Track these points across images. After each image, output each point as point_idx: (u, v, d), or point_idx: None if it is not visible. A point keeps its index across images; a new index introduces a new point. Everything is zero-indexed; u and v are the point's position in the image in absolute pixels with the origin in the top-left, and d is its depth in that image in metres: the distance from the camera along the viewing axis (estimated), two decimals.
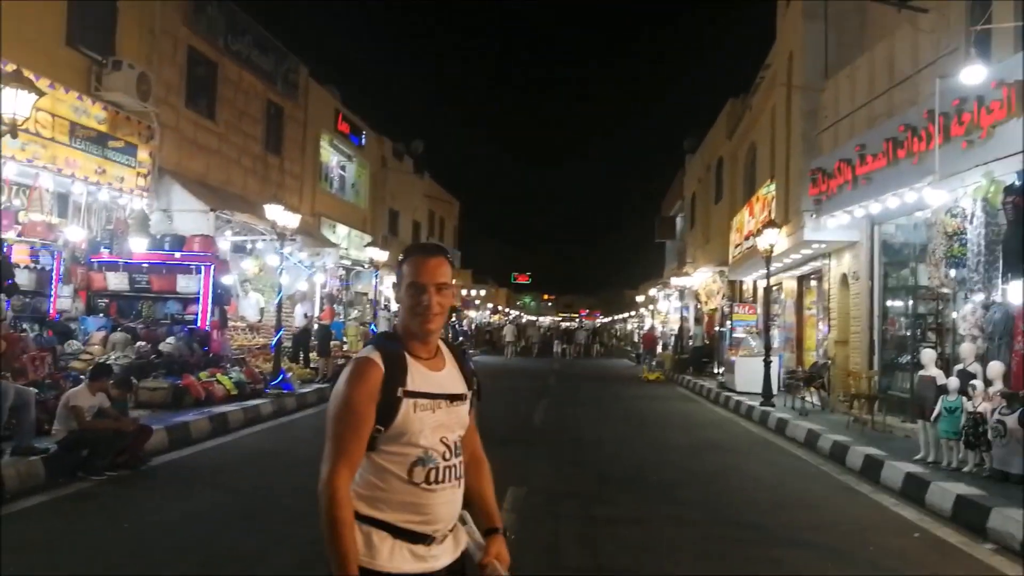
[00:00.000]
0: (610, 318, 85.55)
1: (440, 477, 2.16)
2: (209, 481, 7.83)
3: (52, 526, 5.98)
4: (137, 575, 4.98)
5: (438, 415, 2.18)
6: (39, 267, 13.18)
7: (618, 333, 69.27)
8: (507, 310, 76.40)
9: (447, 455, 2.19)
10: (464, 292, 42.85)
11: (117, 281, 13.94)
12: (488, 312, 60.44)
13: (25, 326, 12.03)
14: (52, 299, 13.35)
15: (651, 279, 44.05)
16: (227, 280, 15.53)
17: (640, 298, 47.61)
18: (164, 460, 8.65)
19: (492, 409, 15.01)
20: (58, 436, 7.51)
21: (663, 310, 37.31)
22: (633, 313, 59.14)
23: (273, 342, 14.71)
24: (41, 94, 7.37)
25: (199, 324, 13.91)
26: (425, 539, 2.14)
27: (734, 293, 23.18)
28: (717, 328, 23.89)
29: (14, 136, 7.20)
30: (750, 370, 16.23)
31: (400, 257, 2.28)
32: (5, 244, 12.24)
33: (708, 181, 28.08)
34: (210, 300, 13.99)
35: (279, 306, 14.89)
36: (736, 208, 21.74)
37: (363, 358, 2.14)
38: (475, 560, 2.31)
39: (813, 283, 16.98)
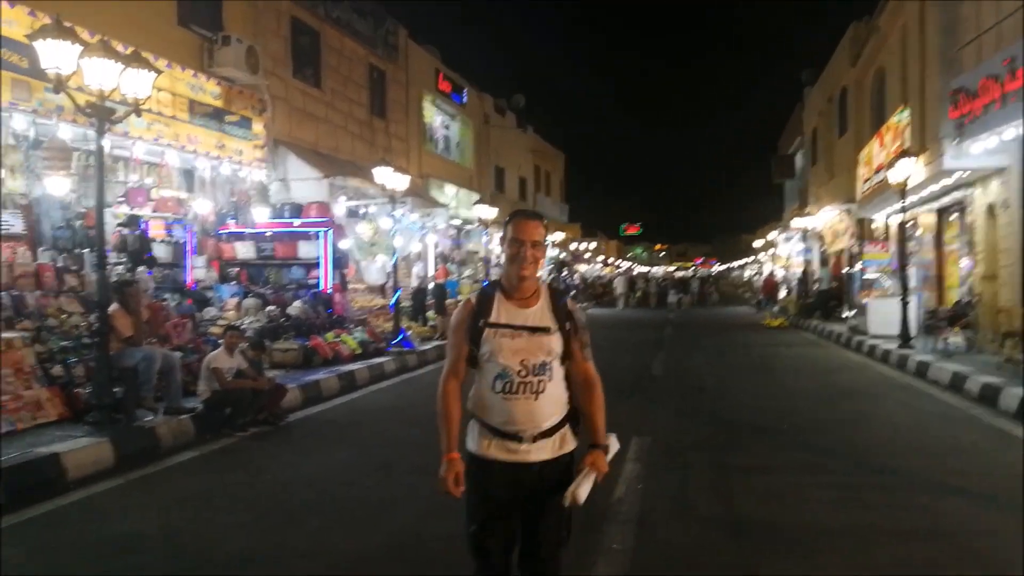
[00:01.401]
0: (726, 265, 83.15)
1: (515, 389, 2.76)
2: (341, 436, 8.10)
3: (205, 479, 6.33)
4: (283, 523, 5.18)
5: (517, 342, 2.76)
6: (174, 240, 13.95)
7: (736, 280, 67.26)
8: (618, 262, 75.51)
9: (523, 373, 2.76)
10: (572, 246, 42.52)
11: (245, 250, 14.60)
12: (598, 265, 59.91)
13: (166, 295, 12.82)
14: (188, 270, 14.15)
15: (770, 222, 42.33)
16: (344, 244, 15.99)
17: (758, 243, 45.91)
18: (299, 416, 9.03)
19: (609, 361, 14.87)
20: (203, 396, 7.93)
21: (783, 254, 35.81)
22: (751, 259, 57.15)
23: (392, 302, 15.05)
24: (158, 72, 7.56)
25: (322, 288, 14.41)
26: (513, 437, 2.78)
27: (863, 232, 21.86)
28: (845, 270, 22.69)
29: (138, 115, 7.51)
30: (885, 312, 15.29)
31: (505, 219, 2.90)
32: (142, 220, 13.10)
33: (831, 114, 26.44)
34: (330, 264, 14.45)
35: (395, 267, 15.19)
36: (863, 140, 20.40)
37: (466, 298, 2.96)
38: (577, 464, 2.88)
39: (954, 216, 15.73)
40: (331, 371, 11.23)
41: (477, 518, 2.84)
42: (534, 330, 2.78)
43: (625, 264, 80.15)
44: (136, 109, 7.50)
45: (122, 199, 11.09)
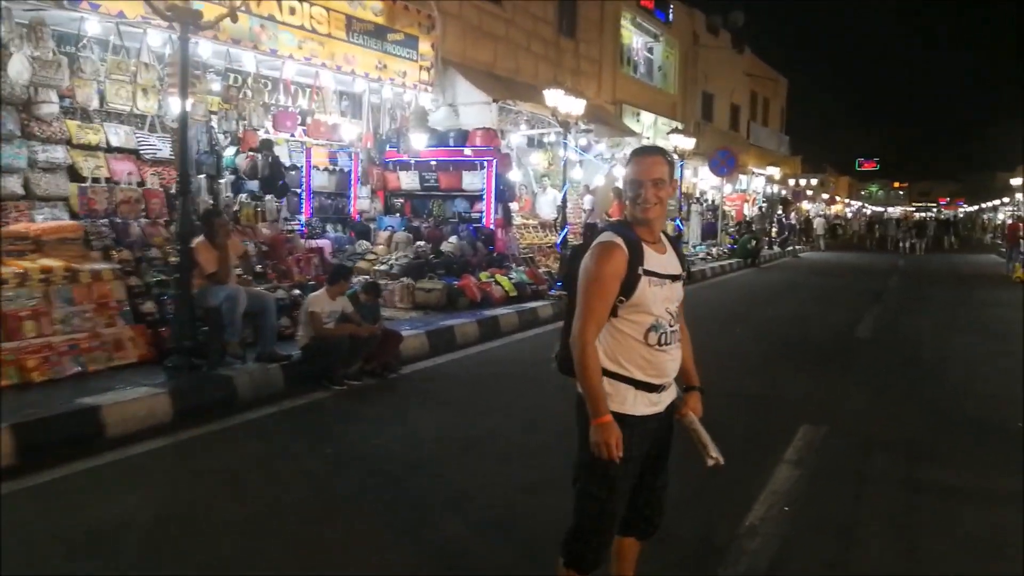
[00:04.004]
0: (976, 207, 72.69)
1: (668, 340, 2.69)
2: (448, 395, 6.98)
3: (261, 445, 5.45)
4: (306, 521, 4.11)
5: (664, 290, 2.68)
6: (338, 169, 13.50)
7: (986, 224, 58.43)
8: (848, 201, 68.58)
9: (671, 323, 2.71)
10: (792, 182, 38.35)
11: (409, 180, 13.84)
12: (822, 204, 54.34)
13: (326, 227, 12.44)
14: (352, 200, 13.69)
15: None
16: (514, 176, 14.78)
17: (1016, 181, 38.98)
18: (417, 368, 8.03)
19: (808, 316, 12.62)
20: (301, 343, 7.13)
21: None
22: (1006, 200, 49.07)
23: (559, 240, 13.70)
24: None
25: (484, 222, 13.36)
26: (657, 388, 2.71)
27: None
28: None
29: (234, 20, 6.61)
30: None
31: (627, 159, 2.75)
32: (304, 147, 12.66)
33: None
34: (493, 197, 13.31)
35: (563, 201, 13.74)
36: None
37: (609, 242, 2.61)
38: (676, 409, 2.85)
39: None
40: (474, 315, 10.17)
41: (614, 484, 2.66)
42: (675, 278, 2.74)
43: (856, 204, 72.76)
44: (231, 13, 6.57)
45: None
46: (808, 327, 11.54)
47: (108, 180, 8.27)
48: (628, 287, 2.59)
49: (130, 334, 6.65)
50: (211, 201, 8.53)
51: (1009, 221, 31.60)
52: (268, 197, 9.35)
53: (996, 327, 11.56)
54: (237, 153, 9.85)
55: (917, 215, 61.90)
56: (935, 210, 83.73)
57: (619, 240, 2.60)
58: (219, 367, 6.54)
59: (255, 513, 4.25)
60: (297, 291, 8.40)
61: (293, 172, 12.53)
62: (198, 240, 6.60)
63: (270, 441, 5.54)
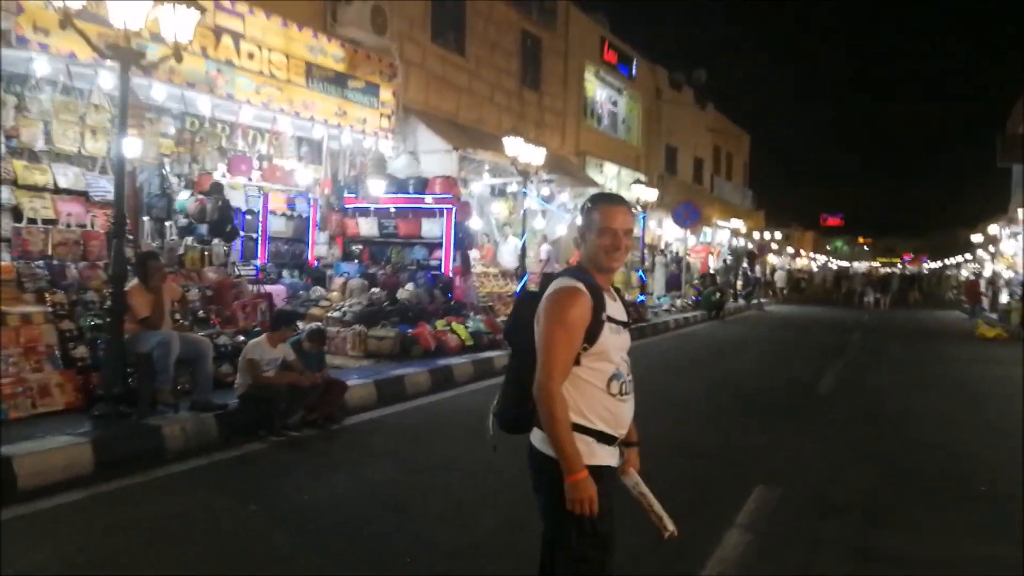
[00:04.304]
0: (939, 263, 74.25)
1: (627, 390, 2.63)
2: (390, 449, 6.73)
3: (182, 500, 5.16)
4: None
5: (621, 338, 2.63)
6: (296, 215, 13.34)
7: (952, 280, 59.60)
8: (812, 255, 69.68)
9: (628, 372, 2.65)
10: (757, 235, 38.85)
11: (368, 227, 13.71)
12: (787, 258, 55.12)
13: (283, 273, 12.23)
14: (310, 246, 13.52)
15: (994, 215, 36.47)
16: (475, 224, 14.74)
17: (977, 238, 39.87)
18: (365, 418, 7.80)
19: (769, 371, 12.58)
20: (239, 391, 6.88)
21: (1008, 251, 30.51)
22: (969, 257, 50.15)
23: (518, 288, 13.60)
24: (202, 11, 6.46)
25: (442, 270, 13.24)
26: (612, 440, 2.59)
27: None
28: None
29: (179, 60, 6.49)
30: None
31: (588, 204, 2.68)
32: (261, 192, 12.51)
33: None
34: (452, 244, 13.22)
35: (523, 250, 13.70)
36: None
37: (574, 287, 2.52)
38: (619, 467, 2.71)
39: None
40: (426, 365, 9.97)
41: (606, 542, 2.53)
42: (625, 325, 2.69)
43: (822, 258, 73.93)
44: (176, 54, 6.45)
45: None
46: (769, 381, 11.47)
47: (47, 221, 8.02)
48: (592, 334, 2.50)
49: (58, 380, 6.36)
50: (154, 244, 8.31)
51: (971, 278, 32.23)
52: (216, 241, 9.14)
53: (959, 383, 11.58)
54: (192, 196, 9.67)
55: (883, 270, 63.00)
56: (899, 265, 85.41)
57: (582, 286, 2.51)
58: (149, 416, 6.26)
59: (161, 573, 3.98)
60: (242, 337, 8.15)
61: (249, 217, 12.40)
62: (132, 284, 6.37)
63: (192, 495, 5.25)
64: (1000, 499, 5.75)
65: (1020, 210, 24.19)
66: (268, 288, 11.80)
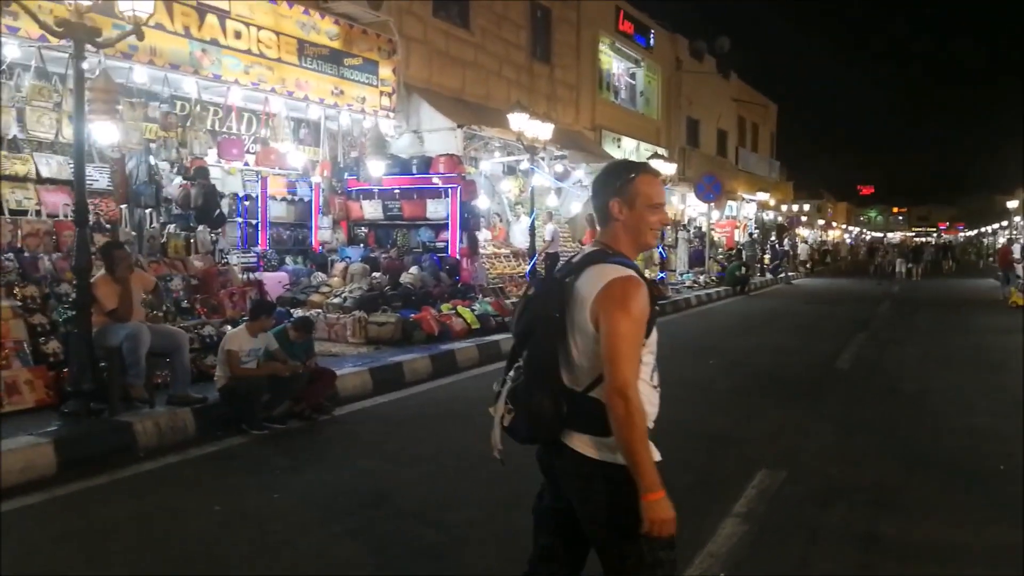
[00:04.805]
0: (976, 231, 72.28)
1: (661, 379, 2.40)
2: (380, 440, 6.37)
3: (144, 502, 4.84)
4: None
5: None
6: (298, 199, 13.03)
7: (987, 249, 57.90)
8: (846, 227, 68.27)
9: None
10: (784, 207, 37.87)
11: (372, 210, 13.36)
12: (818, 231, 53.92)
13: (289, 260, 11.95)
14: (313, 231, 13.21)
15: None
16: (484, 203, 14.34)
17: (1013, 203, 38.55)
18: (357, 408, 7.48)
19: (790, 345, 12.04)
20: (218, 384, 6.57)
21: None
22: (1005, 224, 48.59)
23: (528, 269, 13.19)
24: None
25: (449, 252, 12.86)
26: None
27: None
28: None
29: (139, 37, 6.13)
30: None
31: (626, 172, 2.33)
32: (259, 177, 12.20)
33: None
34: (458, 225, 12.82)
35: (532, 229, 13.25)
36: None
37: (635, 277, 2.24)
38: None
39: None
40: (428, 350, 9.62)
41: (672, 540, 2.23)
42: None
43: (855, 229, 72.39)
44: (137, 31, 6.09)
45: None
46: (787, 357, 10.96)
47: (16, 212, 7.76)
48: (650, 326, 2.29)
49: (27, 377, 6.10)
50: (134, 233, 8.03)
51: (1002, 245, 31.11)
52: (201, 228, 8.84)
53: (986, 357, 10.94)
54: (175, 182, 9.37)
55: (917, 240, 61.50)
56: (935, 234, 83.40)
57: (636, 274, 2.27)
58: (122, 412, 5.97)
59: None
60: (229, 327, 7.84)
61: (248, 203, 12.12)
62: (98, 274, 6.07)
63: (155, 495, 4.95)
64: (1017, 480, 5.25)
65: None
66: (269, 275, 11.57)
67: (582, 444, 2.25)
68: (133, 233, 7.96)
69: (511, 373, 2.39)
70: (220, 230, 9.22)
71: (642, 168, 2.37)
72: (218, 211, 8.88)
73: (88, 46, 5.87)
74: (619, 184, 2.32)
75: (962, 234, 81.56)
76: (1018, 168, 43.71)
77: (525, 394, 2.29)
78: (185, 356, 6.42)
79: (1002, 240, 47.55)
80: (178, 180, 9.40)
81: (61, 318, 6.61)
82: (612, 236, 2.33)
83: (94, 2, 5.66)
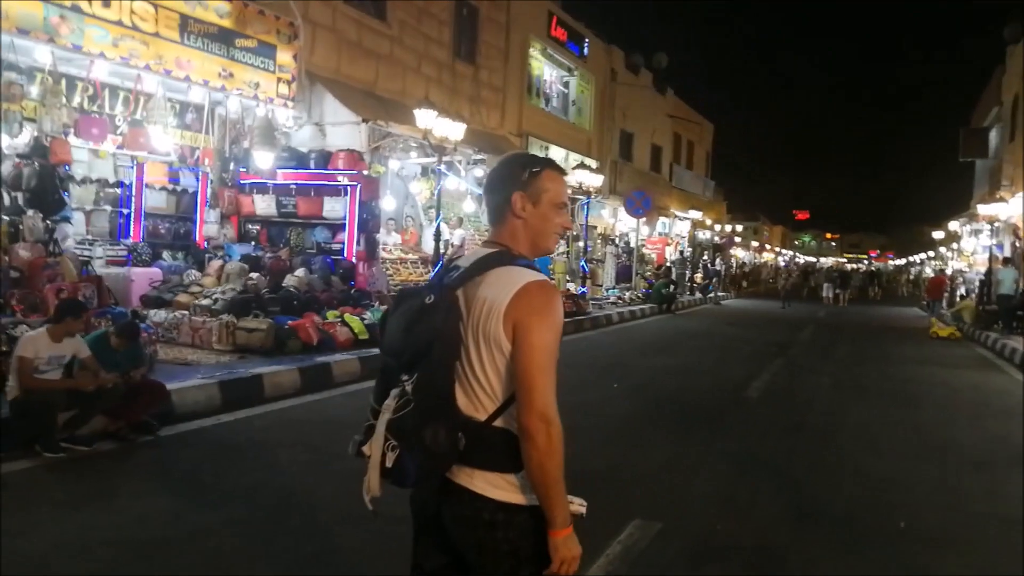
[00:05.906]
0: (904, 260, 74.29)
1: None
2: (199, 469, 5.44)
3: None
4: None
5: None
6: (180, 189, 11.96)
7: (913, 277, 59.37)
8: (780, 249, 69.30)
9: None
10: (719, 227, 37.83)
11: (265, 205, 12.37)
12: (752, 252, 54.43)
13: (154, 254, 10.87)
14: (198, 225, 12.14)
15: (956, 212, 35.88)
16: (389, 204, 13.46)
17: (939, 234, 39.35)
18: (192, 427, 6.51)
19: (702, 369, 11.45)
20: (10, 395, 5.55)
21: (968, 249, 29.86)
22: (931, 254, 49.80)
23: (431, 275, 12.32)
24: None
25: (345, 255, 11.94)
26: None
27: None
28: None
29: None
30: None
31: (530, 167, 2.03)
32: (135, 162, 11.09)
33: None
34: (356, 226, 11.91)
35: (437, 234, 12.42)
36: None
37: (551, 284, 1.99)
38: None
39: None
40: (301, 361, 8.68)
41: None
42: None
43: (788, 253, 73.59)
44: None
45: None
46: (695, 381, 10.36)
47: None
48: None
49: None
50: None
51: (932, 275, 31.58)
52: (31, 213, 7.74)
53: (902, 389, 10.47)
54: (7, 160, 8.27)
55: (848, 266, 62.76)
56: (866, 261, 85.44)
57: (549, 284, 2.01)
58: None
59: None
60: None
61: (119, 190, 11.01)
62: None
63: None
64: (918, 540, 4.63)
65: (980, 206, 23.36)
66: (139, 271, 10.54)
67: (484, 484, 1.92)
68: None
69: (389, 401, 1.93)
70: (58, 217, 8.10)
71: (548, 163, 2.09)
72: (56, 195, 7.79)
73: None
74: (524, 177, 2.01)
75: (892, 262, 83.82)
76: (945, 200, 44.87)
77: (418, 426, 1.86)
78: None
79: (928, 271, 48.74)
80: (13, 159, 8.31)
81: None
82: (511, 235, 2.01)
83: None
